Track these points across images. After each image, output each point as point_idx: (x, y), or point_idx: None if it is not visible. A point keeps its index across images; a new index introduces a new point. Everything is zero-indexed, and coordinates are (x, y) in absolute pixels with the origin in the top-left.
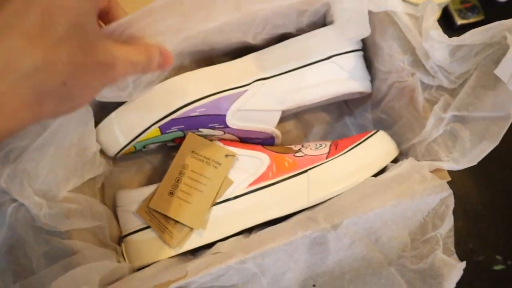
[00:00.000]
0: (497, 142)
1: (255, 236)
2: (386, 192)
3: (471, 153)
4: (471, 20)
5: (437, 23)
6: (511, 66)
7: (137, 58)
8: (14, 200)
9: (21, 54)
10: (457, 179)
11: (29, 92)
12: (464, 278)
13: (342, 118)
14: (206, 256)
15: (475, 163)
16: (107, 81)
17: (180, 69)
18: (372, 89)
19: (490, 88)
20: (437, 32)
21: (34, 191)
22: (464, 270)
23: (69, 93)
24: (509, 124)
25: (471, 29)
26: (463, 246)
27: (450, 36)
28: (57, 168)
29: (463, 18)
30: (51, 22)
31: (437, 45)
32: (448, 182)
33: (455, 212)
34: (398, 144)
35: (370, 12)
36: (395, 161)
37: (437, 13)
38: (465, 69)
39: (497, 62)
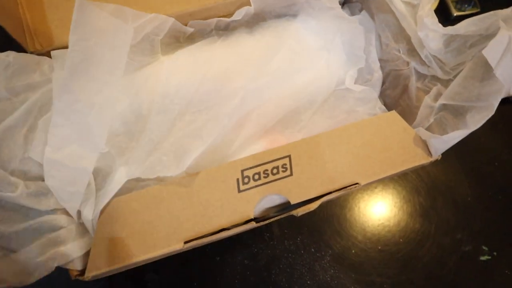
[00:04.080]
0: (474, 129)
1: None
2: None
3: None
4: (467, 12)
5: (433, 11)
6: (499, 49)
7: None
8: None
9: None
10: (447, 171)
11: None
12: (451, 267)
13: None
14: None
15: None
16: None
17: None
18: None
19: (478, 80)
20: (432, 21)
21: (10, 172)
22: (451, 259)
23: None
24: (492, 114)
25: None
26: (452, 236)
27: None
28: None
29: (459, 10)
30: None
31: (431, 34)
32: (440, 174)
33: (445, 203)
34: None
35: (368, 1)
36: None
37: (434, 2)
38: (459, 60)
39: None
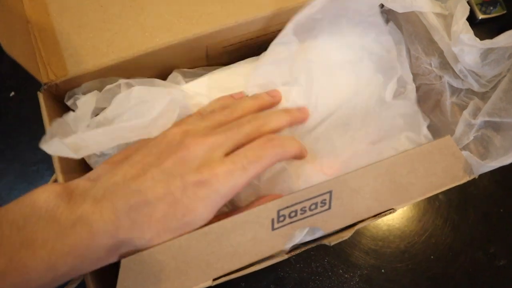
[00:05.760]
0: None
1: None
2: None
3: (502, 159)
4: (493, 15)
5: (468, 25)
6: None
7: None
8: None
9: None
10: (478, 182)
11: None
12: (485, 283)
13: None
14: None
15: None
16: None
17: None
18: None
19: None
20: (468, 36)
21: None
22: (485, 274)
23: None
24: None
25: (492, 23)
26: (485, 250)
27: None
28: None
29: (484, 12)
30: (172, 215)
31: (467, 49)
32: (470, 186)
33: (476, 216)
34: None
35: (395, 13)
36: None
37: (467, 13)
38: (497, 72)
39: None
